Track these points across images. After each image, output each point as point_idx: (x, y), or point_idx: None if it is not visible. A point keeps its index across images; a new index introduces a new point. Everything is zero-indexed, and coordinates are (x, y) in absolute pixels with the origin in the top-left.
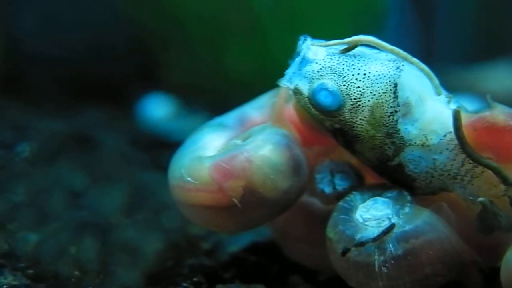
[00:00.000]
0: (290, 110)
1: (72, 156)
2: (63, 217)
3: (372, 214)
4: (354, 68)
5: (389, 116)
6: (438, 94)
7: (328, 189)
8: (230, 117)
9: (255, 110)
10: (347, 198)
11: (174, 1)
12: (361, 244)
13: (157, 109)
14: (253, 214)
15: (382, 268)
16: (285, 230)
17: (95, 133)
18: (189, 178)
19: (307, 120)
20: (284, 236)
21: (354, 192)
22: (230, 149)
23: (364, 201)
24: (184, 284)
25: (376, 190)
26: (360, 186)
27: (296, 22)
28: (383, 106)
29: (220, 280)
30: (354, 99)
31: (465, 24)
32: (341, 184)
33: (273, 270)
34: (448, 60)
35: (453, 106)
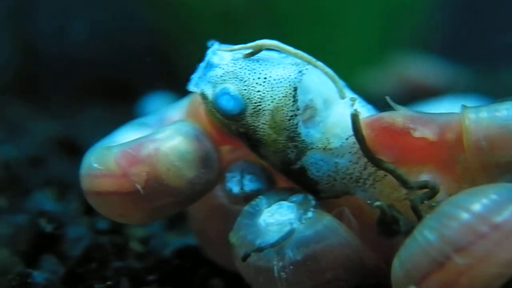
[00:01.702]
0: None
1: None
2: None
3: (276, 219)
4: (255, 72)
5: (289, 120)
6: (342, 97)
7: (236, 189)
8: (152, 117)
9: (176, 110)
10: (253, 203)
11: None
12: (260, 249)
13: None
14: (157, 202)
15: (281, 273)
16: (204, 231)
17: (86, 134)
18: (95, 165)
19: (217, 124)
20: (204, 238)
21: (260, 196)
22: (140, 138)
23: (269, 205)
24: (97, 286)
25: (283, 194)
26: (269, 189)
27: (321, 19)
28: (283, 110)
29: (142, 283)
30: (255, 103)
31: None
32: (249, 185)
33: (198, 273)
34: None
35: (353, 109)
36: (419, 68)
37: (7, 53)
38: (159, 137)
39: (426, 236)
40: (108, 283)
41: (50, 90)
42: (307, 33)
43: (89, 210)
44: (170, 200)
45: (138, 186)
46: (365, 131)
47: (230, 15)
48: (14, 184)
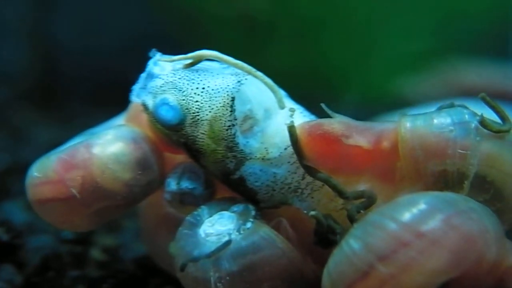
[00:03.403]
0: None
1: None
2: None
3: (216, 229)
4: (193, 83)
5: (227, 130)
6: (281, 107)
7: (172, 184)
8: (102, 127)
9: (122, 118)
10: (195, 212)
11: (217, 3)
12: (195, 259)
13: None
14: (95, 206)
15: (218, 284)
16: (153, 240)
17: None
18: (36, 173)
19: (159, 134)
20: (153, 248)
21: (202, 206)
22: (76, 144)
23: (211, 216)
24: None
25: (225, 204)
26: (206, 193)
27: (353, 24)
28: (220, 120)
29: None
30: (193, 113)
31: None
32: (185, 183)
33: (151, 282)
34: None
35: (290, 120)
36: (474, 73)
37: (26, 61)
38: (93, 142)
39: (351, 245)
40: None
41: (66, 99)
42: (339, 38)
43: None
44: (108, 203)
45: (74, 191)
46: (303, 137)
47: (252, 21)
48: None
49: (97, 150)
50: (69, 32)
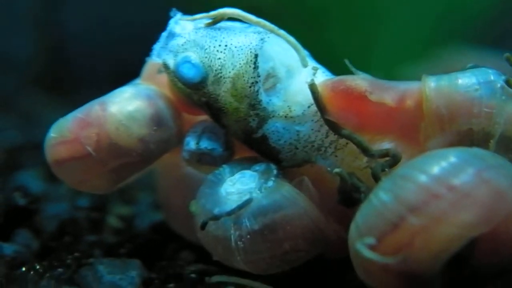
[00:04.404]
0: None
1: None
2: None
3: (237, 188)
4: (216, 40)
5: (250, 87)
6: (304, 66)
7: (191, 143)
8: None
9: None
10: (216, 171)
11: None
12: (216, 217)
13: None
14: (111, 163)
15: (239, 242)
16: (169, 203)
17: None
18: (52, 134)
19: (180, 95)
20: (169, 211)
21: (224, 165)
22: (90, 103)
23: (232, 175)
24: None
25: (246, 163)
26: (225, 154)
27: (358, 13)
28: (243, 77)
29: (111, 256)
30: (216, 70)
31: None
32: (205, 143)
33: (168, 247)
34: None
35: (310, 78)
36: (473, 61)
37: (36, 48)
38: (108, 99)
39: (381, 197)
40: (76, 254)
41: (75, 84)
42: (343, 28)
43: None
44: (124, 160)
45: (89, 149)
46: (326, 93)
47: (257, 10)
48: (9, 166)
49: (111, 107)
50: (78, 19)
